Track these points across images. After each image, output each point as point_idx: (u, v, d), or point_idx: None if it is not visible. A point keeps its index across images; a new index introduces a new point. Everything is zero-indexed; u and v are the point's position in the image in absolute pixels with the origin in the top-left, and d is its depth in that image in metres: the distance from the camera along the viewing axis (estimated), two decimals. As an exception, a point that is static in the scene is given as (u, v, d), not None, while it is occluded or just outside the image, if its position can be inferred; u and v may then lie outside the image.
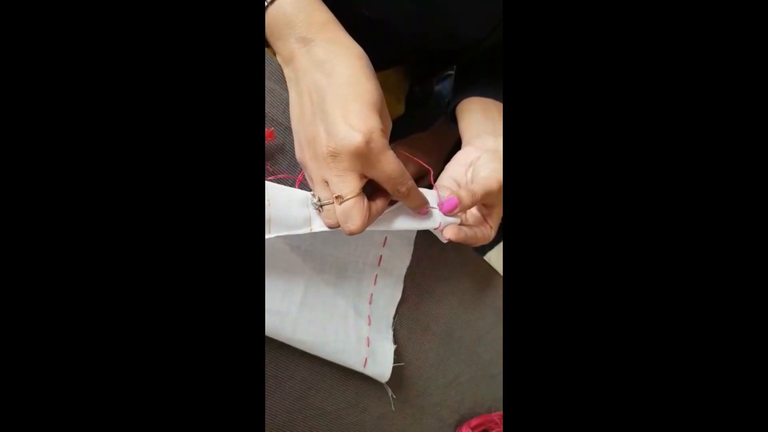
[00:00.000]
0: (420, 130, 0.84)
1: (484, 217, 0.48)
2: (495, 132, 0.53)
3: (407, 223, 0.41)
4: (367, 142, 0.33)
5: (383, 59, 0.70)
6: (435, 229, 0.42)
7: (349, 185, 0.35)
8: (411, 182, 0.37)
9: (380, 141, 0.34)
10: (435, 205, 0.42)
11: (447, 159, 0.53)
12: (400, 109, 0.84)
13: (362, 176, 0.35)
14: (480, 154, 0.50)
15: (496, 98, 0.57)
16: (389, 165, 0.35)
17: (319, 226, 0.38)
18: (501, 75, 0.60)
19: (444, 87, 0.89)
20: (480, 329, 0.58)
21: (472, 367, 0.58)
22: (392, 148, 0.87)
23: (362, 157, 0.34)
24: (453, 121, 0.60)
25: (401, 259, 0.49)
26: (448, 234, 0.42)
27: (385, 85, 0.85)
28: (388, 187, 0.37)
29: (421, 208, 0.41)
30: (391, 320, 0.49)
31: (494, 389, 0.61)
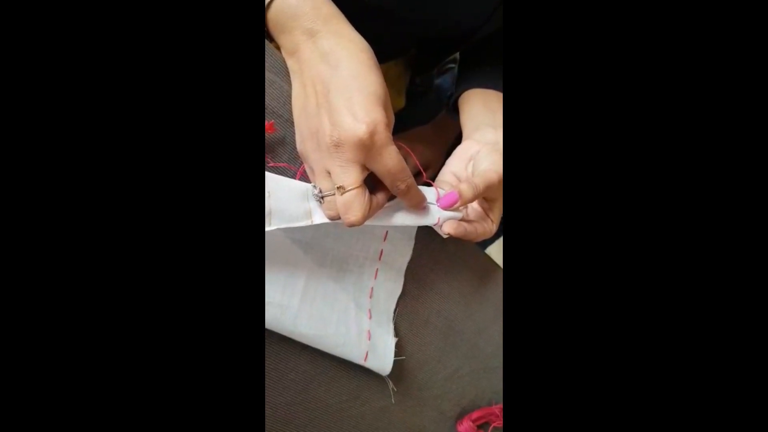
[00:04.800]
0: (421, 123, 0.84)
1: (486, 212, 0.48)
2: (495, 124, 0.53)
3: (406, 219, 0.41)
4: (371, 134, 0.33)
5: (385, 50, 0.70)
6: (434, 225, 0.42)
7: (351, 176, 0.35)
8: (411, 180, 0.37)
9: (384, 134, 0.34)
10: (434, 201, 0.42)
11: (449, 152, 0.53)
12: (401, 103, 0.84)
13: (364, 168, 0.35)
14: (480, 147, 0.50)
15: (497, 88, 0.57)
16: (391, 160, 0.35)
17: (319, 218, 0.37)
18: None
19: (444, 80, 0.89)
20: (481, 322, 0.58)
21: (472, 360, 0.58)
22: (393, 142, 0.87)
23: (365, 148, 0.34)
24: (455, 112, 0.60)
25: (402, 254, 0.49)
26: (447, 229, 0.42)
27: (385, 78, 0.84)
28: (387, 182, 0.37)
29: (419, 206, 0.40)
30: (391, 314, 0.49)
31: (495, 382, 0.61)
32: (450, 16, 0.56)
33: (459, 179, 0.49)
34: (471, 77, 0.61)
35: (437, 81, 0.90)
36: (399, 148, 0.82)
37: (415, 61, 0.81)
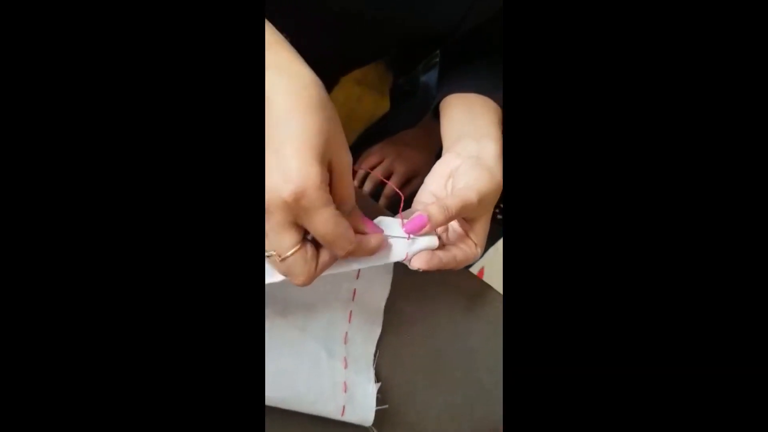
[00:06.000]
0: (408, 125, 0.79)
1: (466, 233, 0.43)
2: (478, 134, 0.48)
3: (370, 260, 0.36)
4: (297, 199, 0.28)
5: (361, 54, 0.65)
6: (404, 260, 0.38)
7: (285, 241, 0.30)
8: (351, 245, 0.32)
9: (313, 197, 0.29)
10: (400, 234, 0.37)
11: (439, 155, 0.48)
12: (385, 106, 0.79)
13: (300, 227, 0.31)
14: (460, 162, 0.45)
15: (480, 91, 0.52)
16: (323, 226, 0.30)
17: (269, 277, 0.33)
18: (488, 62, 0.55)
19: (431, 77, 0.83)
20: (472, 348, 0.53)
21: (466, 389, 0.53)
22: (380, 149, 0.82)
23: (291, 211, 0.29)
24: (438, 120, 0.56)
25: (379, 290, 0.44)
26: (417, 264, 0.38)
27: (366, 81, 0.79)
28: (325, 246, 0.32)
29: (375, 252, 0.36)
30: (371, 358, 0.44)
31: (490, 410, 0.56)
32: (420, 15, 0.51)
33: (438, 199, 0.44)
34: (451, 80, 0.56)
35: (423, 78, 0.85)
36: (387, 151, 0.78)
37: (396, 61, 0.76)
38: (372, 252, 0.35)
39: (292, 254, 0.30)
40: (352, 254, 0.33)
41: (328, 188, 0.30)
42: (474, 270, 0.77)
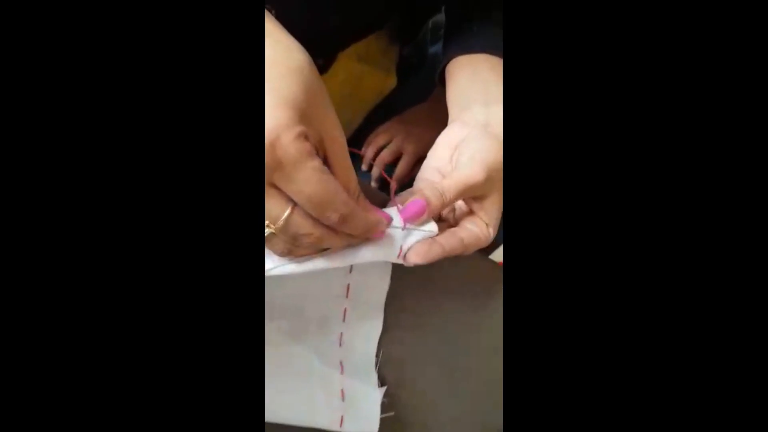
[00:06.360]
0: (418, 101, 0.74)
1: (473, 211, 0.38)
2: (486, 99, 0.43)
3: (366, 253, 0.31)
4: (272, 146, 0.24)
5: (363, 23, 0.60)
6: (399, 257, 0.33)
7: (272, 207, 0.26)
8: (346, 207, 0.27)
9: (292, 147, 0.24)
10: (397, 224, 0.32)
11: None
12: (391, 83, 0.74)
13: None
14: (467, 131, 0.40)
15: (489, 50, 0.46)
16: (308, 184, 0.25)
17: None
18: (494, 21, 0.50)
19: (440, 48, 0.77)
20: (492, 339, 0.48)
21: (480, 389, 0.48)
22: (388, 128, 0.76)
23: (268, 168, 0.25)
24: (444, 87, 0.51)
25: (377, 283, 0.39)
26: (414, 258, 0.33)
27: (367, 57, 0.74)
28: (313, 214, 0.27)
29: (373, 233, 0.31)
30: (373, 359, 0.40)
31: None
32: None
33: (443, 176, 0.39)
34: (456, 41, 0.51)
35: (432, 50, 0.79)
36: (397, 134, 0.73)
37: (400, 30, 0.71)
38: (371, 227, 0.30)
39: (289, 214, 0.26)
40: (344, 225, 0.28)
41: (308, 142, 0.25)
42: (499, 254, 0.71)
